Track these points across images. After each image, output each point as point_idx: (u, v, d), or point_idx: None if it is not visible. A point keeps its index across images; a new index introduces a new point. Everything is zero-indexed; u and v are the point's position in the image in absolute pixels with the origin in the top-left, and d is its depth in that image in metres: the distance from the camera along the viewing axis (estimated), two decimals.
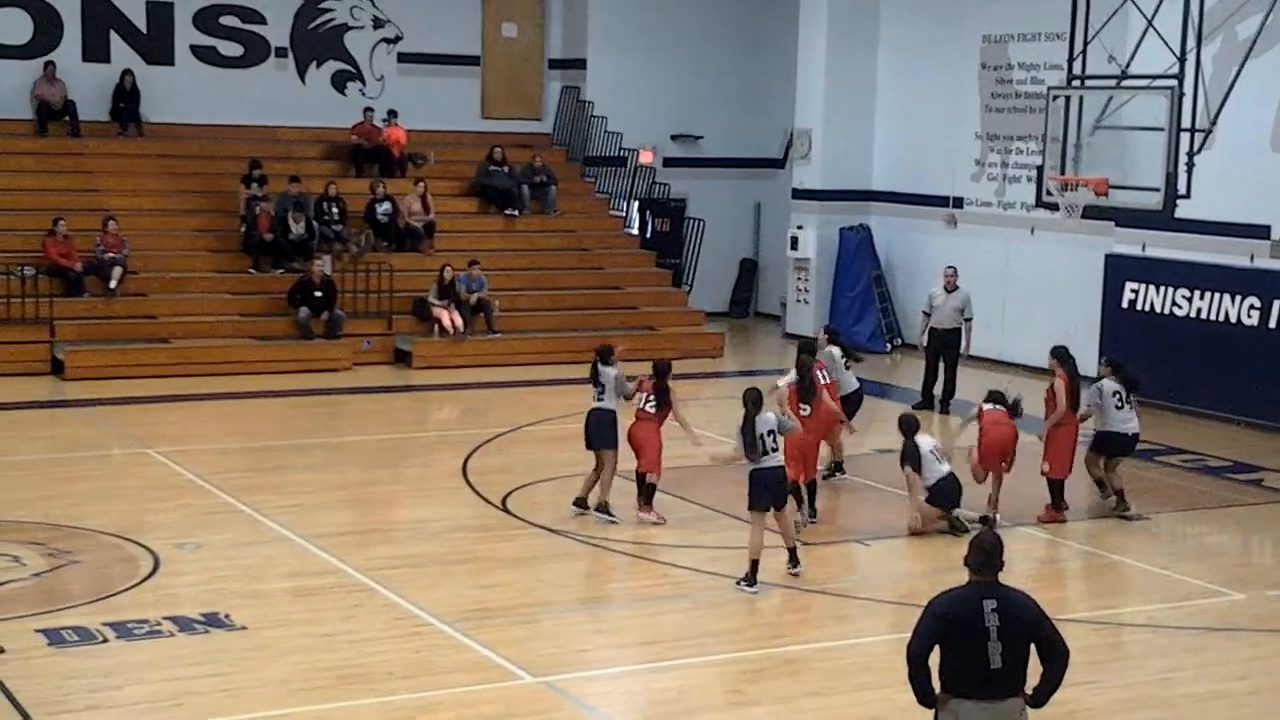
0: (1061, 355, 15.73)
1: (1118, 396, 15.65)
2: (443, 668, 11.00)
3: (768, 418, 13.06)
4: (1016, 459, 15.26)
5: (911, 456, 14.68)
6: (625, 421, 15.25)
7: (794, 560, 13.42)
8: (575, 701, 10.57)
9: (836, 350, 16.59)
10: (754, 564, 12.95)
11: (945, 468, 14.82)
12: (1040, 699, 7.64)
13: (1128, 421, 15.70)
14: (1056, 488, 15.56)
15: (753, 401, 13.07)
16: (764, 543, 12.97)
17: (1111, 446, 15.78)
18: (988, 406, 15.33)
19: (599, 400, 15.13)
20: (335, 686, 10.55)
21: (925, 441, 14.87)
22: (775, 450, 12.99)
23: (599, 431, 15.06)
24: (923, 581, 13.55)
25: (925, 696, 7.66)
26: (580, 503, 15.16)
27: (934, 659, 7.57)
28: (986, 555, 7.61)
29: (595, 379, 15.20)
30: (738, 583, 12.93)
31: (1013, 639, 7.46)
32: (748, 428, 12.92)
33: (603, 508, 14.98)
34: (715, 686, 10.91)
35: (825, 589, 13.18)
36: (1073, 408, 15.51)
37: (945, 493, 14.74)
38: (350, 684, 10.61)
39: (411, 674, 10.86)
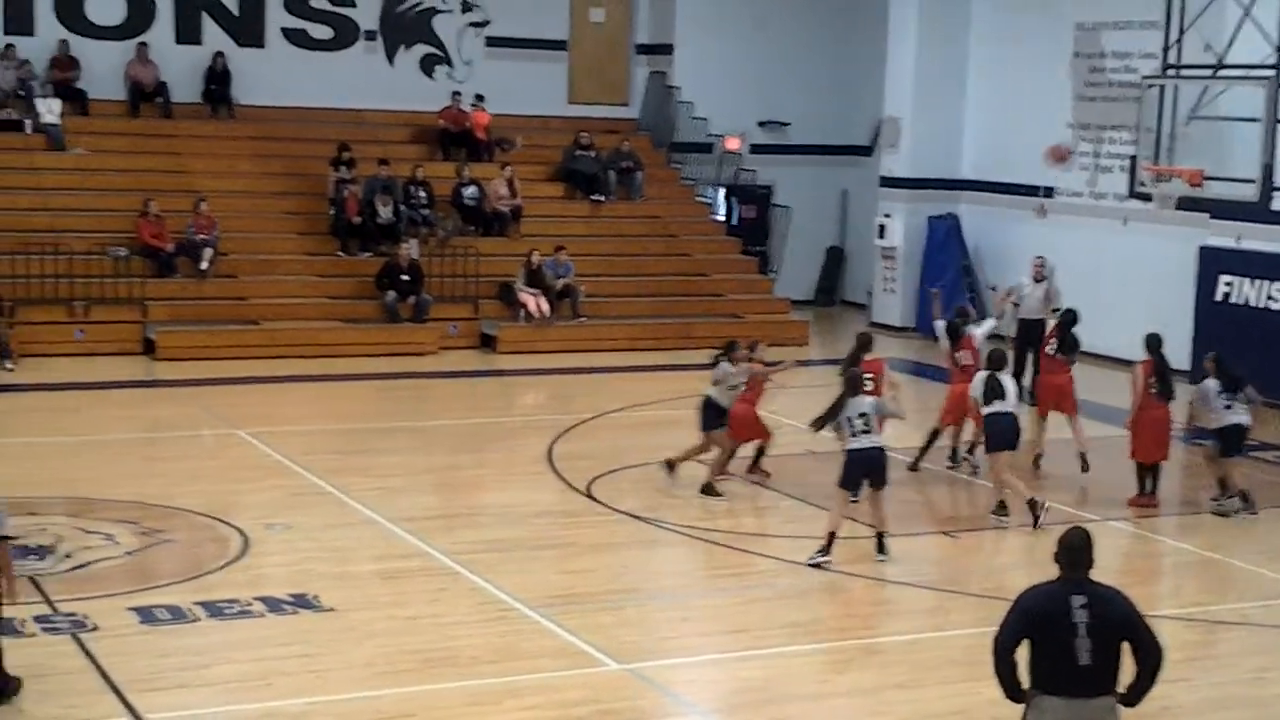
0: (1147, 342, 15.62)
1: (1223, 395, 15.39)
2: (528, 653, 11.03)
3: (864, 401, 13.23)
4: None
5: None
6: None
7: (880, 547, 13.40)
8: (660, 689, 10.56)
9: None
10: (829, 536, 13.19)
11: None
12: (1134, 698, 7.53)
13: (1236, 416, 15.47)
14: (1140, 473, 15.49)
15: (849, 384, 13.39)
16: (841, 519, 13.23)
17: (1225, 442, 15.53)
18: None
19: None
20: (421, 670, 10.61)
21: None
22: (867, 431, 13.11)
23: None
24: (1010, 575, 13.44)
25: (1011, 690, 7.58)
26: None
27: (1024, 654, 7.49)
28: (1075, 551, 7.51)
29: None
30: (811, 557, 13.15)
31: (1102, 636, 7.36)
32: (836, 407, 13.25)
33: (708, 489, 15.25)
34: (800, 676, 10.86)
35: (912, 581, 13.09)
36: (1160, 394, 15.36)
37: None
38: (435, 667, 10.66)
39: (497, 658, 10.89)
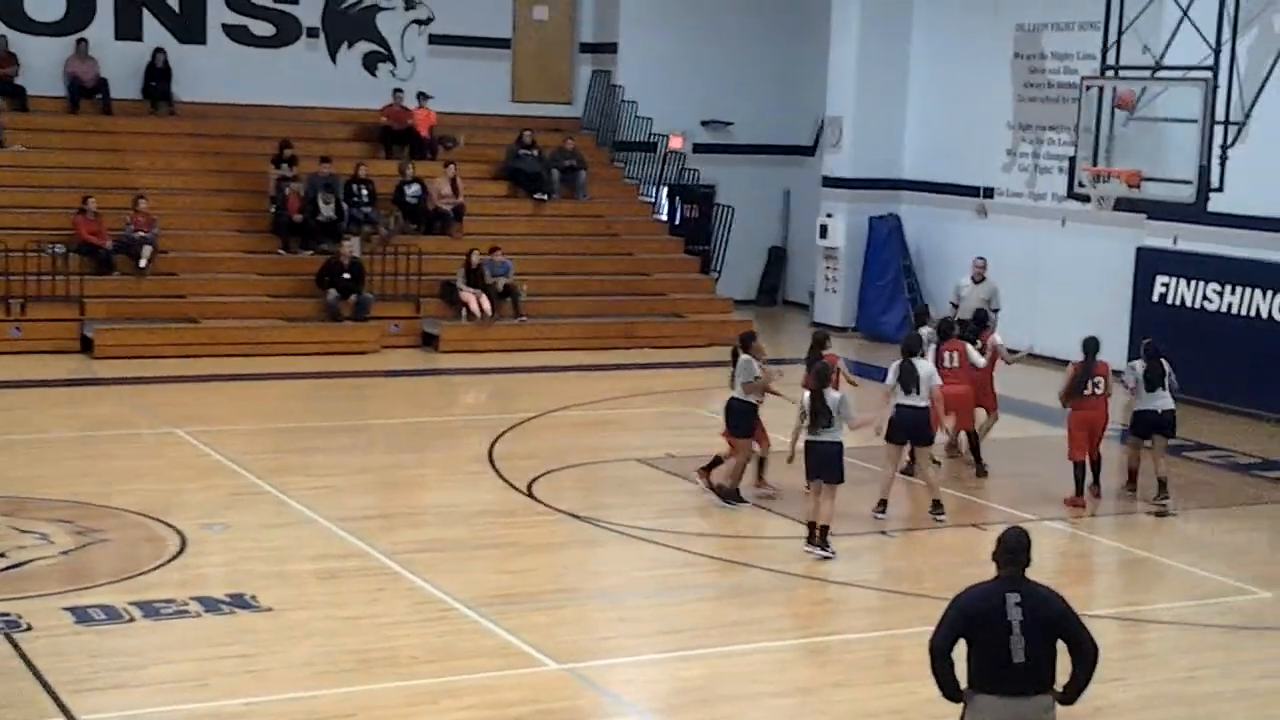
0: (1084, 345, 15.76)
1: (1147, 381, 15.64)
2: (466, 652, 11.02)
3: (830, 395, 13.45)
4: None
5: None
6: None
7: (816, 540, 13.59)
8: (599, 689, 10.57)
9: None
10: (810, 525, 13.60)
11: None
12: (1071, 697, 7.60)
13: (1157, 400, 15.66)
14: (1076, 473, 15.66)
15: (819, 377, 13.59)
16: (818, 507, 13.52)
17: (1141, 425, 15.77)
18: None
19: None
20: (359, 670, 10.58)
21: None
22: (829, 426, 13.37)
23: (727, 419, 14.90)
24: (948, 575, 13.50)
25: (948, 689, 7.63)
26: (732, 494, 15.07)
27: (961, 652, 7.55)
28: (1012, 551, 7.59)
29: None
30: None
31: (1037, 634, 7.42)
32: (818, 400, 13.41)
33: (730, 495, 14.93)
34: (739, 676, 10.89)
35: (851, 581, 13.15)
36: (1075, 393, 15.56)
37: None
38: (374, 667, 10.63)
39: (435, 658, 10.88)
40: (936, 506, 14.82)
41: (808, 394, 13.67)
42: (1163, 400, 15.71)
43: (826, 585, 13.04)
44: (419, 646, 11.07)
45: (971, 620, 7.50)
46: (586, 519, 14.58)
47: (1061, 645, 7.51)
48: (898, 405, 14.75)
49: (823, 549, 13.53)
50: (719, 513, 14.93)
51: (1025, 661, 7.40)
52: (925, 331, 16.88)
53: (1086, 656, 7.53)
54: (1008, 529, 7.79)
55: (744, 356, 14.94)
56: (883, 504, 14.82)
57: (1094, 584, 13.93)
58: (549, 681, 10.59)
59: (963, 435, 17.05)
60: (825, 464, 13.49)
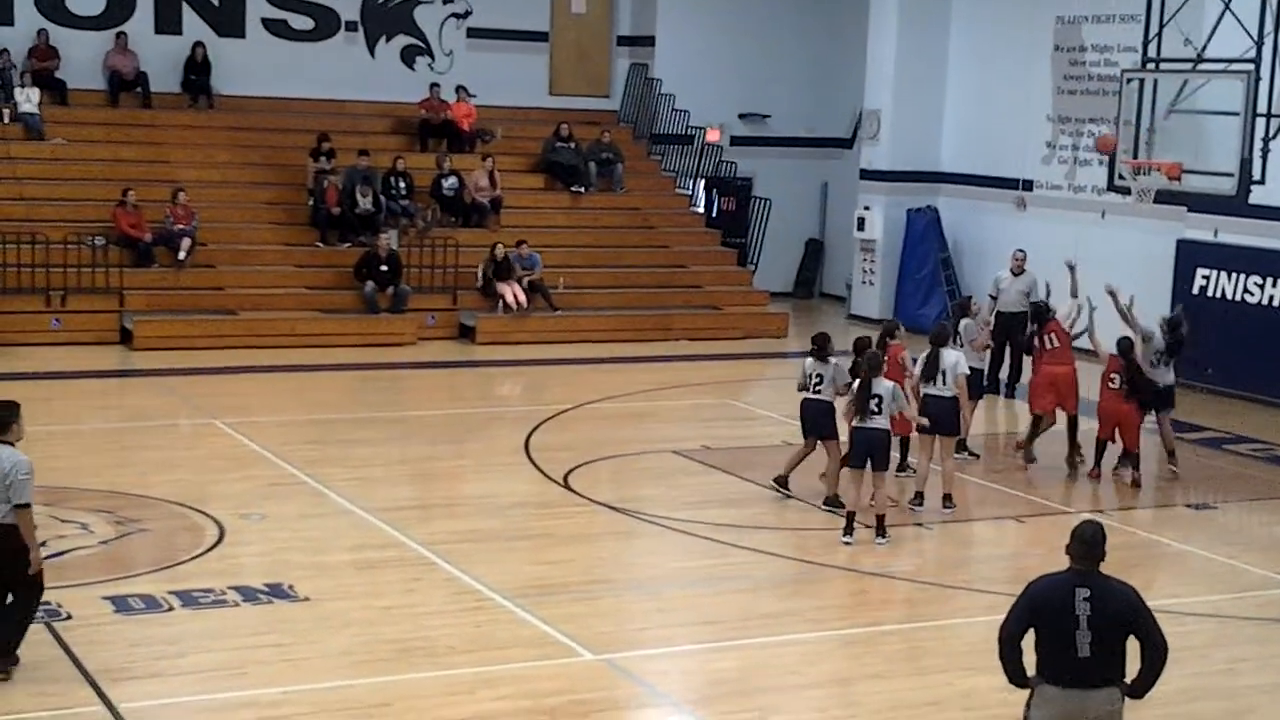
0: (1118, 345, 15.79)
1: (1157, 353, 15.72)
2: (503, 642, 11.04)
3: (882, 384, 13.52)
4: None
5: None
6: None
7: (880, 529, 13.62)
8: (634, 679, 10.57)
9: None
10: (849, 516, 13.66)
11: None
12: (1138, 691, 7.63)
13: (1162, 375, 15.83)
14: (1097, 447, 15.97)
15: (870, 367, 13.64)
16: (861, 499, 13.62)
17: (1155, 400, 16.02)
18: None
19: (815, 391, 14.56)
20: (396, 659, 10.62)
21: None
22: (878, 414, 13.44)
23: (817, 422, 14.62)
24: (986, 567, 13.51)
25: (1014, 676, 7.66)
26: (781, 481, 15.03)
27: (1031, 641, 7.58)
28: (1086, 544, 7.60)
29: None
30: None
31: (1104, 629, 7.43)
32: (862, 390, 13.51)
33: (832, 501, 14.61)
34: (775, 667, 10.88)
35: (887, 573, 13.12)
36: (1123, 393, 15.67)
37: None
38: (411, 657, 10.67)
39: (472, 648, 10.90)
40: (946, 500, 14.71)
41: (857, 382, 13.72)
42: (1166, 376, 15.91)
43: (863, 577, 13.01)
44: (455, 636, 11.09)
45: (1039, 611, 7.53)
46: (622, 510, 14.59)
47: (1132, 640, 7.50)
48: (925, 395, 14.71)
49: (881, 536, 13.61)
50: (753, 504, 14.91)
51: (1090, 656, 7.42)
52: (967, 323, 16.84)
53: (1157, 653, 7.54)
54: (1083, 522, 7.81)
55: (833, 361, 14.59)
56: (919, 496, 14.78)
57: (1132, 577, 13.62)
58: (585, 671, 10.60)
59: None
60: (873, 451, 13.54)
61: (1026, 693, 7.65)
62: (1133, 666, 7.62)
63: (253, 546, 13.03)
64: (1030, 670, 7.62)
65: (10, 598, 10.01)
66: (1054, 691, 7.51)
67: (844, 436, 14.26)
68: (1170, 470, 16.34)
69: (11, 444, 9.97)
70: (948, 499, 14.76)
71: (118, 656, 10.35)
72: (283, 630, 11.07)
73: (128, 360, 21.18)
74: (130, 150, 24.89)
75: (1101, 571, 7.58)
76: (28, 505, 9.84)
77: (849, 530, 13.65)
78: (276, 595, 11.73)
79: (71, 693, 9.81)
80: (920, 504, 14.72)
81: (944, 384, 14.63)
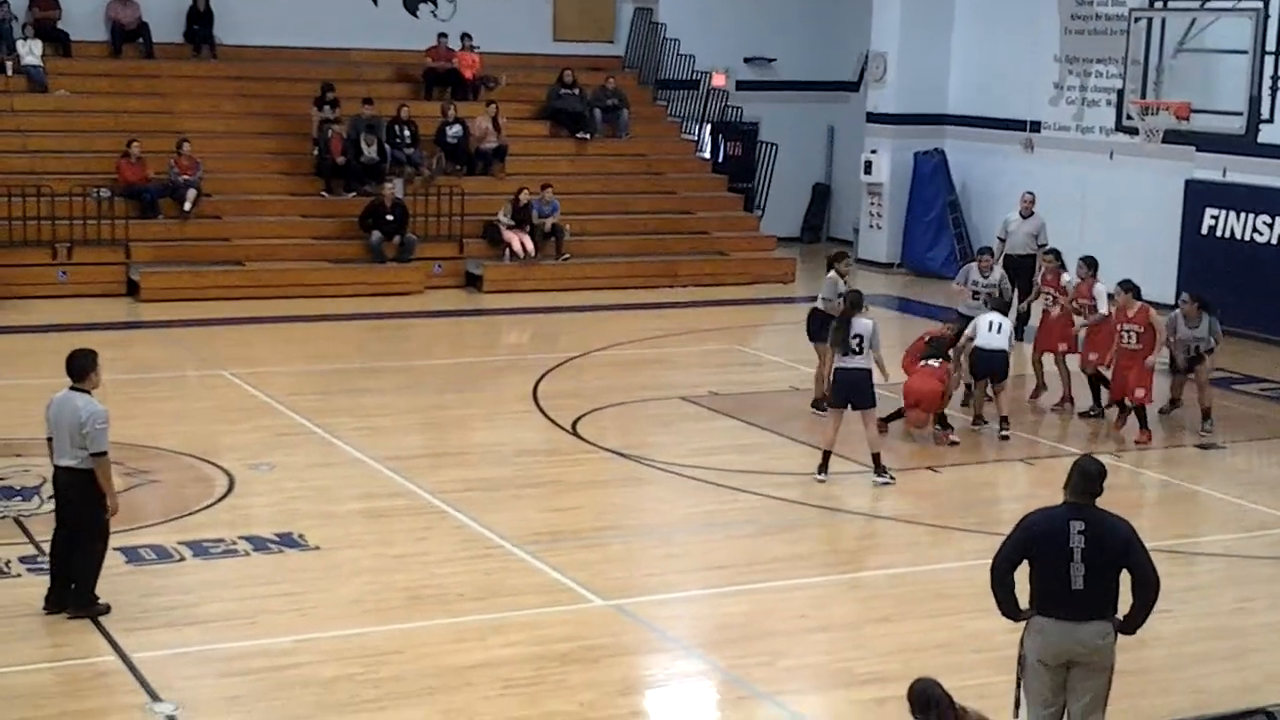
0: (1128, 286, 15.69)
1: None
2: (513, 589, 11.08)
3: (862, 323, 13.49)
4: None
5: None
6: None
7: (878, 469, 13.65)
8: (644, 624, 10.61)
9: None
10: (825, 455, 13.71)
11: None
12: (1130, 626, 7.66)
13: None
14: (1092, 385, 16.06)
15: (852, 304, 13.68)
16: (835, 438, 13.67)
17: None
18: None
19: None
20: (407, 607, 10.66)
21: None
22: (859, 353, 13.45)
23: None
24: (993, 509, 13.51)
25: (1006, 606, 7.71)
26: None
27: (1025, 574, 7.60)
28: (1085, 477, 7.65)
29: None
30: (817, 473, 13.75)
31: (1098, 562, 7.46)
32: (841, 326, 13.51)
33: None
34: (783, 611, 10.91)
35: (895, 515, 13.14)
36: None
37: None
38: (421, 604, 10.71)
39: (482, 595, 10.94)
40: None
41: (835, 319, 13.78)
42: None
43: (871, 520, 13.03)
44: (466, 584, 11.13)
45: (1034, 543, 7.57)
46: (631, 457, 14.61)
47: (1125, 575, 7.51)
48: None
49: (879, 475, 13.66)
50: (762, 449, 14.92)
51: (1084, 589, 7.46)
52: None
53: (1147, 587, 7.56)
54: (1081, 456, 7.87)
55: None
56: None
57: (1141, 517, 13.78)
58: (595, 617, 10.64)
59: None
60: (855, 390, 13.54)
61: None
62: (1126, 604, 7.63)
63: (262, 497, 13.06)
64: (1025, 603, 7.66)
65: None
66: (1046, 623, 7.56)
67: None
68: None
69: (88, 392, 10.10)
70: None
71: (130, 607, 10.39)
72: (293, 579, 11.11)
73: (134, 312, 21.18)
74: (134, 102, 24.78)
75: (1097, 506, 7.59)
76: (104, 453, 10.10)
77: (824, 468, 13.70)
78: (287, 544, 11.76)
79: (84, 643, 9.87)
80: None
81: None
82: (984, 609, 10.55)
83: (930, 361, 15.19)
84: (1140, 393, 15.38)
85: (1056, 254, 17.49)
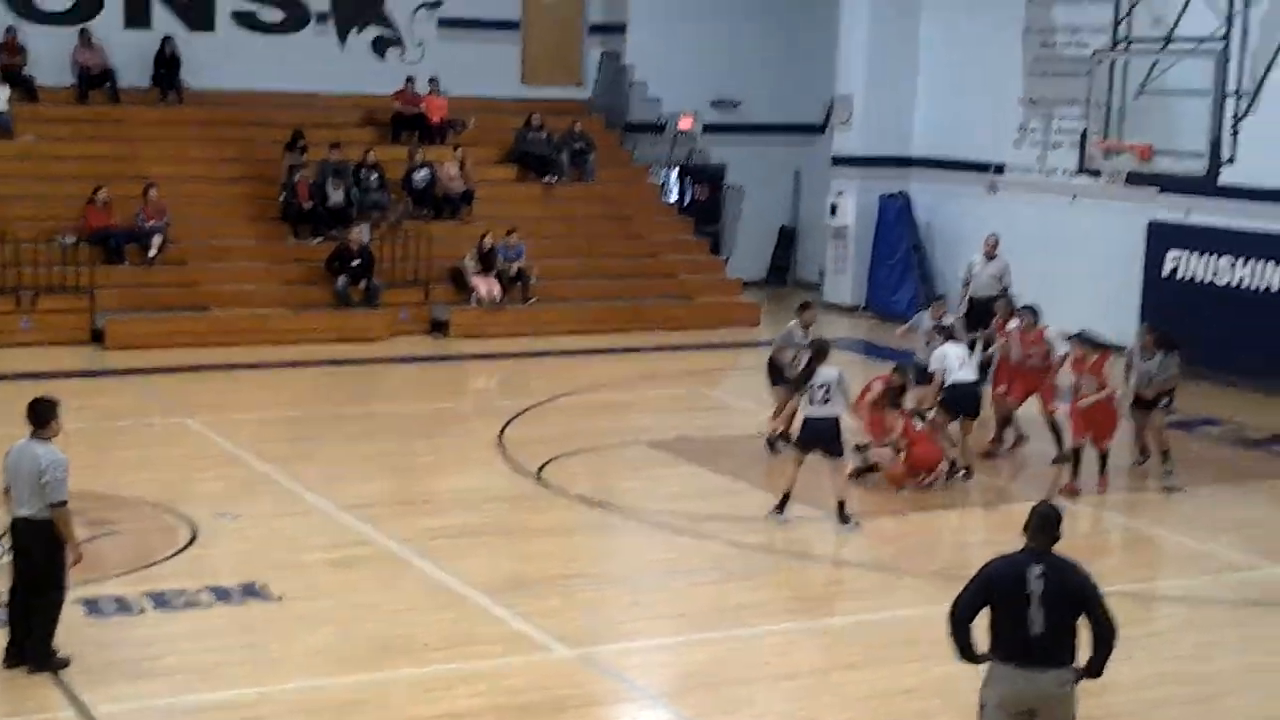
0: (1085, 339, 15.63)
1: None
2: (478, 639, 11.05)
3: (829, 373, 13.61)
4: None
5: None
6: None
7: (841, 516, 13.66)
8: (611, 673, 10.59)
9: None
10: (784, 496, 13.80)
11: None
12: (1092, 671, 7.71)
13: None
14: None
15: (816, 353, 13.85)
16: (795, 478, 13.74)
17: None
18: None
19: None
20: (372, 657, 10.61)
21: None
22: (827, 402, 13.53)
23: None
24: (959, 555, 13.53)
25: (964, 652, 7.76)
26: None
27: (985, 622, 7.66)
28: (1043, 521, 7.73)
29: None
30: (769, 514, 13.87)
31: (1056, 608, 7.51)
32: (805, 375, 13.71)
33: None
34: (750, 658, 10.91)
35: (861, 561, 13.15)
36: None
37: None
38: (387, 655, 10.66)
39: (448, 645, 10.91)
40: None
41: (802, 366, 13.92)
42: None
43: (837, 566, 13.05)
44: (431, 633, 11.09)
45: (993, 589, 7.63)
46: (597, 503, 14.60)
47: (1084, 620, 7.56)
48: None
49: (844, 522, 13.68)
50: (728, 495, 14.93)
51: (1043, 633, 7.51)
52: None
53: (1104, 632, 7.61)
54: (1039, 502, 7.95)
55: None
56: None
57: (1103, 561, 13.82)
58: (561, 666, 10.62)
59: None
60: (823, 440, 13.60)
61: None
62: (1086, 653, 7.67)
63: (226, 546, 13.00)
64: (981, 648, 7.71)
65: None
66: (1006, 670, 7.61)
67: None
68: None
69: (49, 440, 10.03)
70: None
71: (91, 660, 10.30)
72: (257, 630, 11.06)
73: (99, 359, 21.08)
74: (100, 147, 24.75)
75: (1055, 552, 7.66)
76: (64, 503, 10.03)
77: (781, 508, 13.79)
78: (250, 595, 11.71)
79: (44, 697, 9.79)
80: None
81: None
82: (949, 655, 10.62)
83: (910, 417, 15.21)
84: (1100, 441, 15.32)
85: (1009, 300, 17.59)
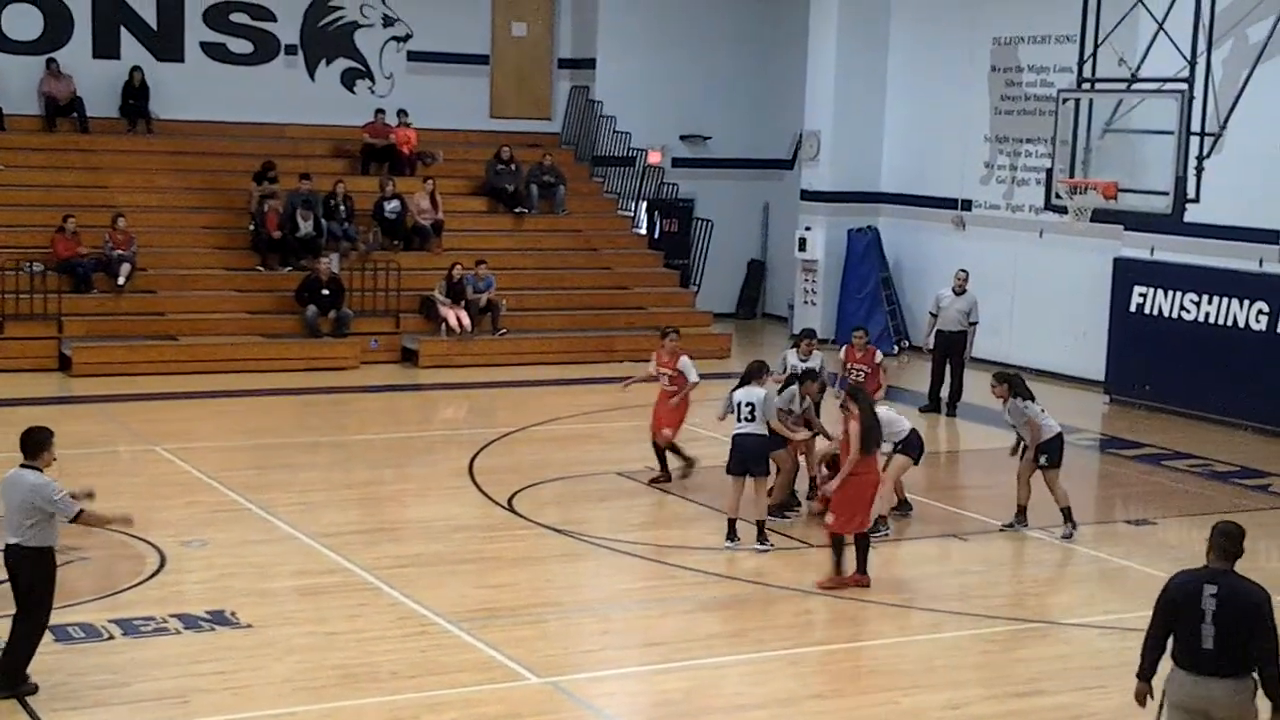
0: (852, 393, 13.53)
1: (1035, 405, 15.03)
2: (448, 667, 11.01)
3: (753, 391, 14.01)
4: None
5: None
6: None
7: (761, 536, 13.96)
8: (580, 702, 10.57)
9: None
10: (730, 523, 14.06)
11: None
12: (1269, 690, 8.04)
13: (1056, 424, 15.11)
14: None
15: (748, 373, 14.26)
16: (738, 504, 14.07)
17: (1054, 453, 14.98)
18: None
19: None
20: (340, 685, 10.57)
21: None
22: (751, 420, 13.89)
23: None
24: (929, 585, 13.54)
25: (1142, 668, 8.32)
26: (780, 508, 14.80)
27: None
28: (1222, 541, 8.19)
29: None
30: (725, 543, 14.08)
31: (1228, 625, 7.95)
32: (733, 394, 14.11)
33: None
34: (720, 688, 10.91)
35: (831, 592, 13.15)
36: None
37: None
38: (355, 683, 10.62)
39: (417, 673, 10.87)
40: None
41: (731, 388, 14.25)
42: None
43: (807, 597, 13.04)
44: (400, 662, 11.05)
45: (1172, 606, 8.21)
46: (567, 533, 14.59)
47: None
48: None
49: (760, 543, 13.95)
50: (698, 524, 14.94)
51: (1213, 649, 7.96)
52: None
53: (1263, 655, 7.94)
54: (1220, 521, 8.39)
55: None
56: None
57: (1074, 593, 13.94)
58: (531, 695, 10.58)
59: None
60: (748, 456, 13.90)
61: None
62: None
63: (194, 574, 12.94)
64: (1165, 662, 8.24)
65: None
66: (1183, 676, 8.10)
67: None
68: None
69: (38, 469, 10.03)
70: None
71: (59, 687, 10.25)
72: (226, 658, 10.99)
73: (67, 387, 21.00)
74: (68, 176, 24.71)
75: (1235, 571, 8.10)
76: (80, 513, 10.37)
77: (731, 535, 14.02)
78: (219, 622, 11.65)
79: None
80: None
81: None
82: (920, 685, 10.66)
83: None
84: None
85: (865, 331, 17.94)
